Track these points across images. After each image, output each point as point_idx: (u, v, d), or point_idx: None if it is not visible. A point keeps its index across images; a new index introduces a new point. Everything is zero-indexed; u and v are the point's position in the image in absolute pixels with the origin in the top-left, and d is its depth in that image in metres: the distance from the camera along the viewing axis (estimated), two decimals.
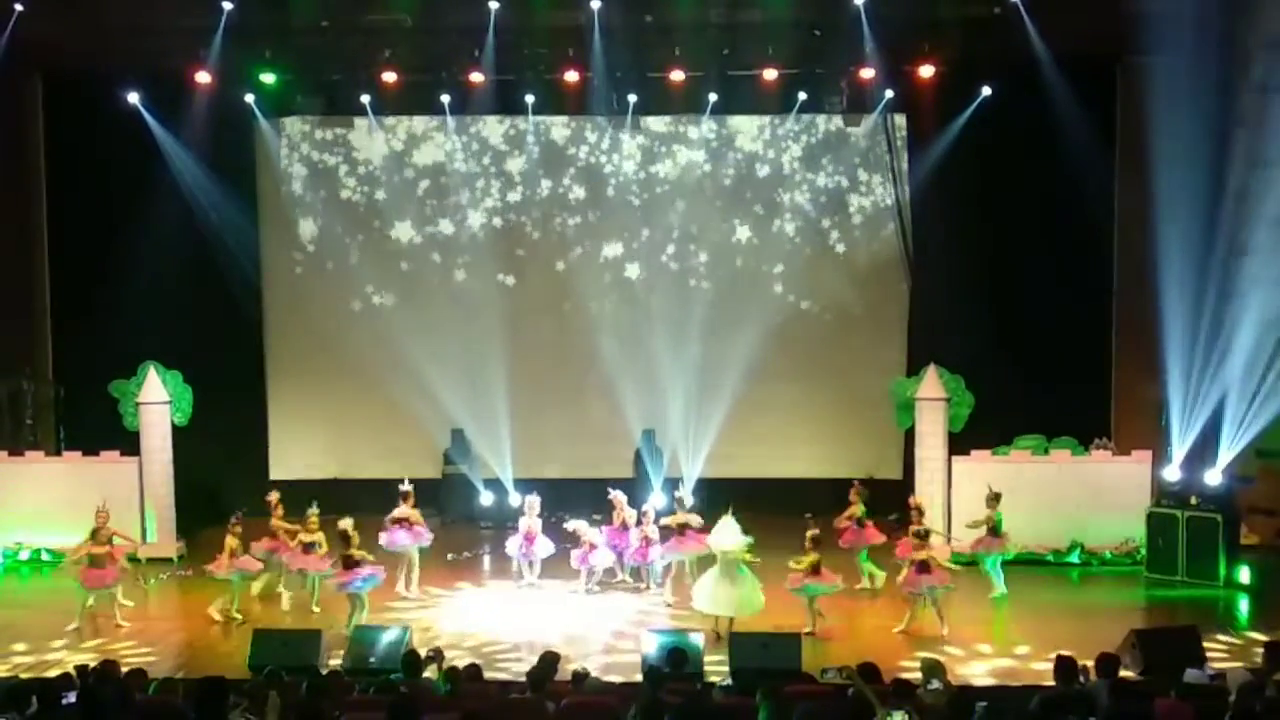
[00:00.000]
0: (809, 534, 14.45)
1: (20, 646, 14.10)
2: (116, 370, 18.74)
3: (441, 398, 20.48)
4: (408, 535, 16.22)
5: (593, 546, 16.16)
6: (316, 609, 15.32)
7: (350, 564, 14.61)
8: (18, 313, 20.21)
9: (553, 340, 20.75)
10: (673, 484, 17.37)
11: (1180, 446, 17.51)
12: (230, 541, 15.23)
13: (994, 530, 15.93)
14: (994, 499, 16.03)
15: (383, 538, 16.09)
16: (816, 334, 20.75)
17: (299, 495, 17.98)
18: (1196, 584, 16.42)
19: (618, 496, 16.55)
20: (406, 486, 16.55)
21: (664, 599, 15.78)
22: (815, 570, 14.29)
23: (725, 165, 20.68)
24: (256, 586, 15.92)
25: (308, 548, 15.37)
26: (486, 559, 18.19)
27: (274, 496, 16.31)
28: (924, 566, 14.43)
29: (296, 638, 13.29)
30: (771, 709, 8.87)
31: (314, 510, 15.65)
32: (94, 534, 15.20)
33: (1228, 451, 17.38)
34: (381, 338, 20.79)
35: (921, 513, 15.59)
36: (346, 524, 14.87)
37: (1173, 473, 17.27)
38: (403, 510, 16.25)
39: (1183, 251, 18.56)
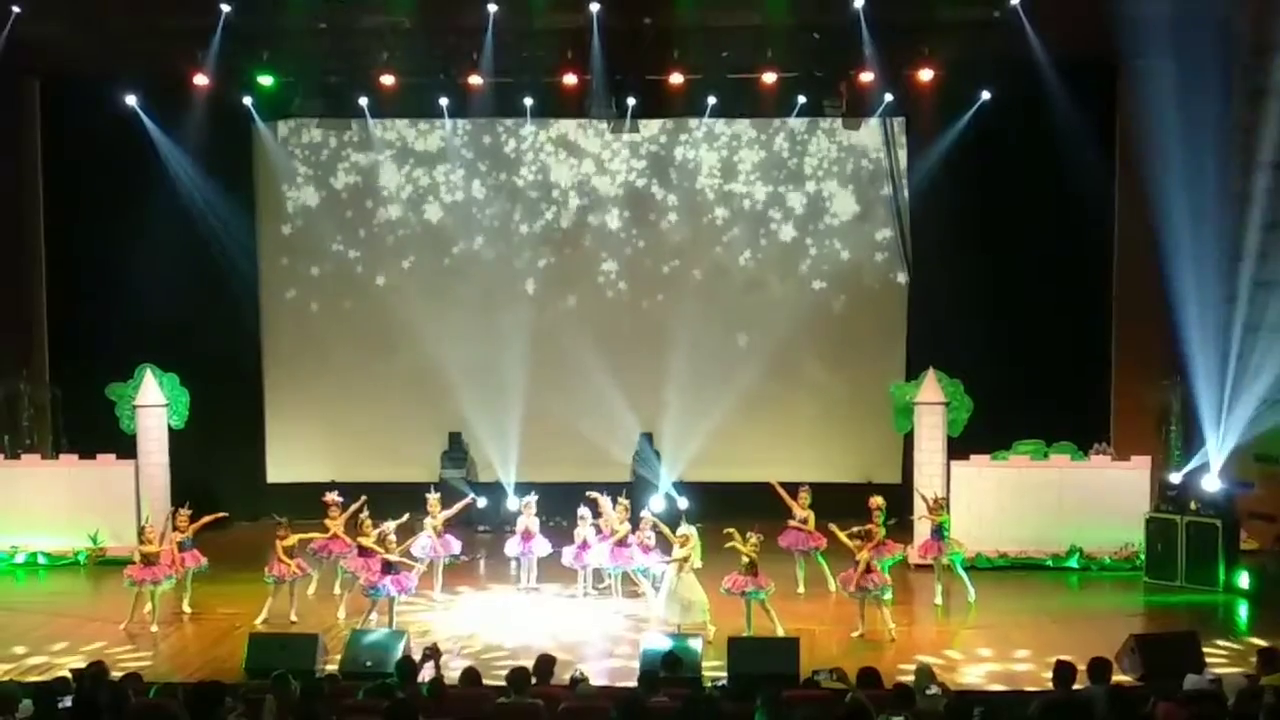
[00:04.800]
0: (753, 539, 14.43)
1: (19, 649, 14.01)
2: (113, 373, 18.69)
3: (438, 401, 20.49)
4: (433, 545, 16.25)
5: (586, 545, 16.13)
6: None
7: (387, 568, 14.57)
8: (15, 315, 20.20)
9: (551, 343, 20.68)
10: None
11: (1180, 451, 17.50)
12: (278, 545, 15.13)
13: (939, 534, 15.90)
14: (937, 505, 16.03)
15: (417, 548, 16.04)
16: (815, 338, 20.70)
17: (296, 498, 18.01)
18: (1196, 589, 16.39)
19: (604, 501, 16.40)
20: (433, 496, 16.54)
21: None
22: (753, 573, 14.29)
23: (723, 168, 20.65)
24: (311, 588, 15.94)
25: (364, 552, 15.09)
26: (483, 563, 18.13)
27: (330, 497, 16.21)
28: (866, 568, 14.43)
29: (293, 641, 13.27)
30: (770, 713, 8.83)
31: (367, 514, 15.44)
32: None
33: (1227, 457, 17.39)
34: (379, 341, 20.80)
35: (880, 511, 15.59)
36: (388, 528, 14.84)
37: (1174, 477, 17.24)
38: (432, 521, 16.27)
39: (1182, 255, 18.56)
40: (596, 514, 16.23)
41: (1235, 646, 14.00)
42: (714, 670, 12.63)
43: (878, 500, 15.72)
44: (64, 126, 20.09)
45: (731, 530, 14.44)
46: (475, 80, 18.74)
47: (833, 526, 15.24)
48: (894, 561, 15.71)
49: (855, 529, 14.89)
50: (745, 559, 14.19)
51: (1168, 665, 11.82)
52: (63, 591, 17.05)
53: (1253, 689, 9.94)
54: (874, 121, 20.12)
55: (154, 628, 14.85)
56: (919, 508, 16.67)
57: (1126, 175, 19.31)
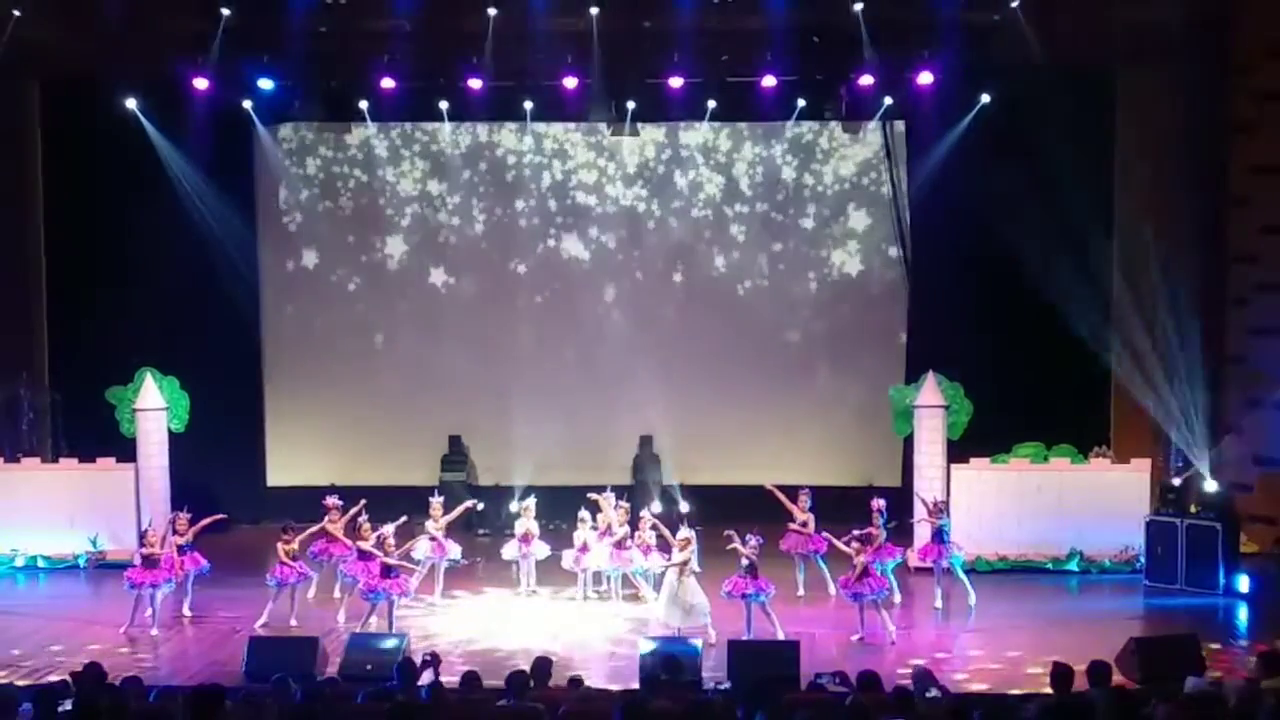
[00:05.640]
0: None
1: (19, 652, 13.96)
2: (113, 376, 18.70)
3: (438, 405, 20.51)
4: (434, 548, 16.22)
5: (586, 547, 16.12)
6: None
7: (386, 571, 14.56)
8: (15, 318, 20.18)
9: (550, 347, 20.75)
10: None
11: (1179, 455, 17.51)
12: (280, 549, 15.13)
13: (939, 537, 15.89)
14: (937, 508, 16.03)
15: (418, 552, 16.01)
16: (815, 341, 20.75)
17: (297, 502, 18.02)
18: (1196, 592, 16.38)
19: (606, 500, 16.40)
20: (436, 500, 16.54)
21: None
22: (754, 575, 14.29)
23: (724, 172, 20.66)
24: (311, 592, 15.92)
25: (363, 555, 15.08)
26: (482, 567, 18.09)
27: (330, 501, 16.20)
28: (864, 572, 14.44)
29: (293, 644, 13.27)
30: (769, 717, 8.83)
31: (365, 518, 15.45)
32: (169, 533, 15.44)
33: (1227, 460, 17.40)
34: (379, 344, 20.82)
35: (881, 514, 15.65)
36: (387, 531, 14.84)
37: (1174, 480, 17.23)
38: (433, 525, 16.25)
39: (1182, 259, 18.59)
40: (597, 516, 16.24)
41: (1235, 649, 14.00)
42: (714, 674, 12.63)
43: (879, 503, 15.75)
44: (64, 129, 20.10)
45: (731, 532, 14.44)
46: (475, 83, 18.73)
47: (828, 535, 15.27)
48: (894, 565, 15.69)
49: (856, 533, 14.88)
50: (745, 561, 14.18)
51: (1168, 668, 11.83)
52: (63, 595, 17.02)
53: (1253, 691, 9.93)
54: (874, 125, 20.13)
55: (154, 631, 14.85)
56: (919, 511, 16.67)
57: (1126, 177, 19.32)
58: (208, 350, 19.54)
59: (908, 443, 18.68)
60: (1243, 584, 16.35)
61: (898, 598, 15.81)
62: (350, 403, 20.79)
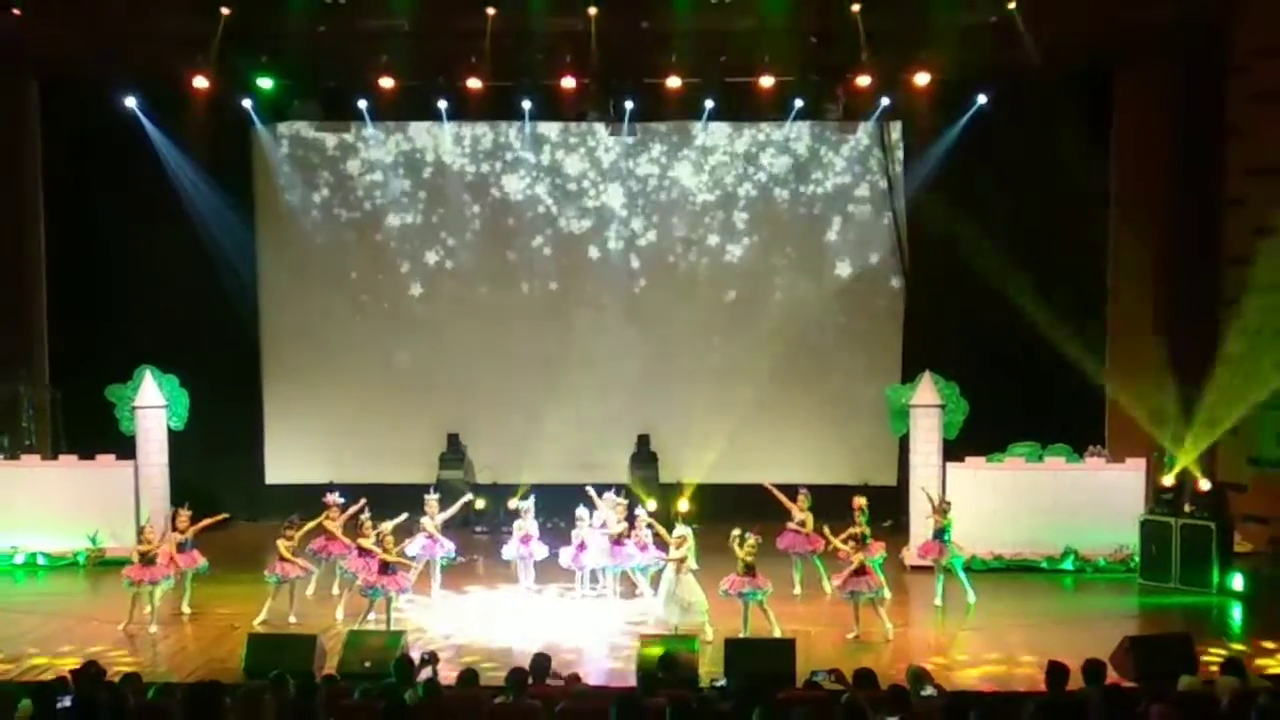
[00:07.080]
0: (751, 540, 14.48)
1: (18, 650, 14.01)
2: (113, 374, 18.74)
3: (437, 402, 20.56)
4: (430, 545, 16.29)
5: (584, 545, 16.17)
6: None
7: (385, 568, 14.62)
8: (15, 316, 20.21)
9: (549, 345, 20.79)
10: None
11: (1174, 454, 17.57)
12: (280, 545, 15.17)
13: (940, 536, 15.94)
14: (943, 506, 16.06)
15: (412, 548, 16.06)
16: (812, 341, 20.79)
17: (295, 499, 18.04)
18: (1190, 591, 16.44)
19: (607, 498, 16.43)
20: (432, 497, 16.59)
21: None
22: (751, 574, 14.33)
23: (721, 171, 20.71)
24: (310, 589, 15.97)
25: (363, 552, 15.13)
26: (481, 564, 18.14)
27: (331, 498, 16.24)
28: (859, 570, 14.49)
29: (292, 642, 13.30)
30: (765, 715, 8.87)
31: (367, 515, 15.50)
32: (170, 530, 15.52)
33: (1221, 460, 17.43)
34: (377, 342, 20.87)
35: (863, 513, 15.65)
36: (386, 528, 14.89)
37: (1168, 480, 17.28)
38: (430, 521, 16.31)
39: (1178, 260, 18.64)
40: (593, 513, 16.27)
41: (1229, 649, 14.05)
42: (711, 671, 12.67)
43: (860, 501, 15.76)
44: (63, 128, 20.15)
45: (739, 531, 14.48)
46: (474, 83, 18.78)
47: (826, 530, 15.34)
48: (878, 562, 15.71)
49: (849, 532, 14.94)
50: (741, 563, 14.24)
51: (1162, 667, 11.87)
52: (62, 592, 17.08)
53: (1247, 691, 9.98)
54: (871, 125, 20.18)
55: (153, 628, 14.89)
56: (921, 505, 16.60)
57: (1122, 178, 19.39)
58: (207, 348, 19.62)
59: (904, 442, 18.73)
60: (1237, 583, 16.42)
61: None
62: (349, 400, 20.84)
